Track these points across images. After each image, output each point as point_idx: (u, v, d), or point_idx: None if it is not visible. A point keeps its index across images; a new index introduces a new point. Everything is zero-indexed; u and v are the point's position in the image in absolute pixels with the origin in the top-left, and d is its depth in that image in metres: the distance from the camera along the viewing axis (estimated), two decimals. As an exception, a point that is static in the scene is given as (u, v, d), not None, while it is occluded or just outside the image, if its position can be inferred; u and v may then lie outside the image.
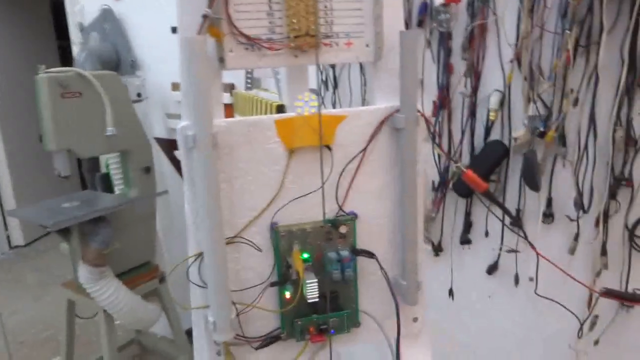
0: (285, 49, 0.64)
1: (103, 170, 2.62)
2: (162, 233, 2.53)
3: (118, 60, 2.60)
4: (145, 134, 2.35)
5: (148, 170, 2.37)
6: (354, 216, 0.71)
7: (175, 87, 2.43)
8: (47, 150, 2.03)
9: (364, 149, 0.69)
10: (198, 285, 0.67)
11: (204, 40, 0.59)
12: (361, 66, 1.75)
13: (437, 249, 1.74)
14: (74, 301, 2.31)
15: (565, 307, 1.41)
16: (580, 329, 1.51)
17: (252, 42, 0.62)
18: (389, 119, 0.69)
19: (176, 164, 2.56)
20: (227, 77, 2.73)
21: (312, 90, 0.67)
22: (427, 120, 0.70)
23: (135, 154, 2.31)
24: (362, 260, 0.72)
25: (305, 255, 0.69)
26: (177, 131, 0.64)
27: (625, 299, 0.90)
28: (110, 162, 2.48)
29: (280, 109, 0.83)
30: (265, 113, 0.89)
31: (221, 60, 0.62)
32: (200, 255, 0.66)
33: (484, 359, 1.81)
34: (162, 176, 2.53)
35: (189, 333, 2.65)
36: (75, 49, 2.80)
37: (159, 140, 2.57)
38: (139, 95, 2.46)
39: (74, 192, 2.41)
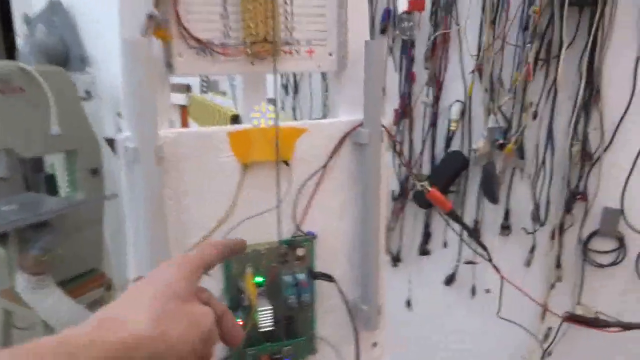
0: (241, 55, 0.58)
1: (47, 170, 2.47)
2: (110, 238, 2.40)
3: (67, 55, 2.45)
4: (94, 134, 2.22)
5: (96, 171, 2.25)
6: (312, 237, 0.66)
7: (127, 85, 2.32)
8: (-17, 149, 1.88)
9: (325, 165, 0.65)
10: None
11: (147, 42, 0.52)
12: (323, 73, 1.71)
13: (396, 259, 1.71)
14: (11, 312, 2.15)
15: (519, 325, 1.41)
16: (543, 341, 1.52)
17: (203, 47, 0.57)
18: (351, 134, 0.65)
19: (127, 166, 2.44)
20: (183, 78, 2.63)
21: (270, 101, 0.61)
22: (390, 136, 0.66)
23: (83, 154, 2.18)
24: (320, 283, 0.67)
25: (259, 279, 0.63)
26: (118, 143, 0.57)
27: (589, 324, 0.89)
28: (55, 163, 2.33)
29: (235, 119, 0.78)
30: (219, 122, 0.83)
31: (169, 65, 0.56)
32: (140, 279, 0.59)
33: (440, 370, 1.80)
34: (111, 178, 2.40)
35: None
36: (20, 42, 2.63)
37: (110, 141, 2.44)
38: (87, 93, 2.33)
39: (13, 195, 2.25)
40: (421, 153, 1.61)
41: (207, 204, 0.61)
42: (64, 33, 2.45)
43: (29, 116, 1.94)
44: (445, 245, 1.66)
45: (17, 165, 2.35)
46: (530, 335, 1.52)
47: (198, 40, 0.56)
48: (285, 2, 0.59)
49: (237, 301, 0.63)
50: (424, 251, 1.70)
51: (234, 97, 1.07)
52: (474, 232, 0.72)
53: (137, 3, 0.54)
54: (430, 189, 0.67)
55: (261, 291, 0.63)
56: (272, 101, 0.61)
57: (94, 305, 2.23)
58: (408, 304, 1.74)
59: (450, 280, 1.67)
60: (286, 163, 0.63)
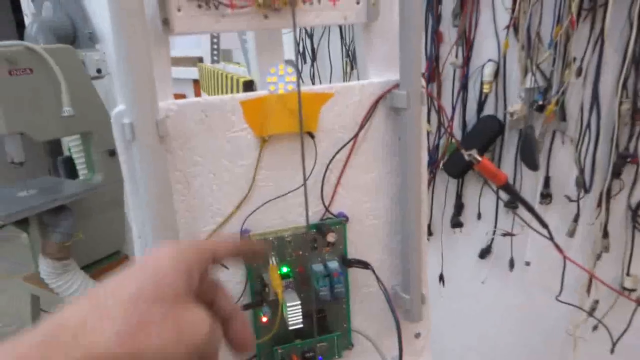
0: (252, 6, 0.49)
1: (65, 153, 2.42)
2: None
3: (74, 32, 2.37)
4: (108, 114, 2.16)
5: (113, 153, 2.19)
6: (344, 219, 0.57)
7: (139, 61, 2.23)
8: (-3, 133, 1.83)
9: (356, 135, 0.55)
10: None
11: (139, -4, 0.43)
12: (342, 34, 1.59)
13: (427, 233, 1.62)
14: (38, 296, 2.15)
15: (563, 302, 1.32)
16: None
17: (206, -1, 0.47)
18: (386, 97, 0.55)
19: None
20: (196, 49, 2.53)
21: (289, 62, 0.52)
22: (432, 98, 0.55)
23: (98, 135, 2.12)
24: (354, 271, 0.59)
25: (285, 270, 0.55)
26: (112, 120, 0.49)
27: None
28: (72, 145, 2.28)
29: (249, 85, 0.68)
30: (231, 91, 0.73)
31: (165, 22, 0.47)
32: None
33: (477, 346, 1.73)
34: (128, 159, 2.35)
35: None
36: (27, 21, 2.56)
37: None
38: (99, 71, 2.25)
39: (31, 179, 2.22)
40: (451, 120, 1.49)
41: (221, 186, 0.53)
42: (71, 10, 2.36)
43: (39, 98, 1.88)
44: (479, 217, 1.56)
45: (34, 149, 2.31)
46: (575, 308, 1.43)
47: (199, -9, 0.47)
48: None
49: (261, 296, 0.55)
50: (456, 223, 1.60)
51: (247, 60, 0.96)
52: (532, 208, 0.62)
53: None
54: (480, 158, 0.57)
55: (288, 283, 0.54)
56: (291, 63, 0.51)
57: (118, 288, 2.21)
58: (441, 278, 1.65)
59: (485, 253, 1.58)
60: (311, 135, 0.54)
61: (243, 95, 0.52)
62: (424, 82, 0.55)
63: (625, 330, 1.37)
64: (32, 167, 2.38)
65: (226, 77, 0.73)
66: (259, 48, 0.55)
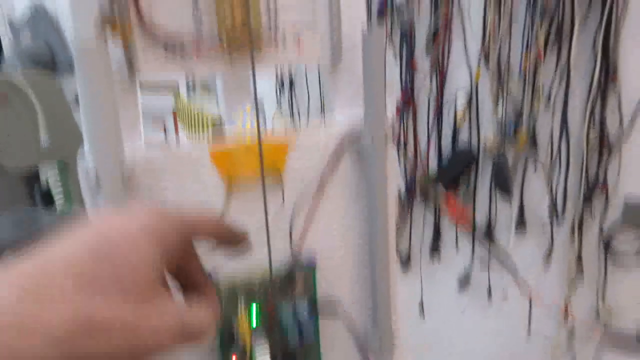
0: (217, 50, 0.49)
1: (43, 182, 2.38)
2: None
3: (54, 59, 2.36)
4: (85, 142, 2.14)
5: (90, 181, 2.16)
6: (312, 264, 0.57)
7: (116, 89, 2.23)
8: (-33, 164, 1.80)
9: (323, 178, 0.56)
10: None
11: (102, 43, 0.43)
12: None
13: (405, 263, 1.62)
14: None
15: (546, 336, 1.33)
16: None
17: (171, 41, 0.47)
18: (351, 138, 0.56)
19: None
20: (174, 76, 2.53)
21: (255, 98, 0.52)
22: (395, 134, 0.56)
23: (75, 164, 2.09)
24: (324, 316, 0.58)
25: (254, 316, 0.54)
26: (78, 167, 0.49)
27: None
28: (49, 175, 2.25)
29: (217, 125, 0.69)
30: (203, 129, 0.74)
31: (130, 65, 0.47)
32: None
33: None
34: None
35: None
36: (6, 48, 2.54)
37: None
38: (77, 97, 2.24)
39: (7, 211, 2.17)
40: (427, 146, 1.51)
41: (187, 230, 0.52)
42: (50, 37, 2.35)
43: (15, 127, 1.85)
44: (457, 245, 1.57)
45: (11, 180, 2.27)
46: (552, 339, 1.44)
47: (163, 34, 0.47)
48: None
49: (230, 341, 0.54)
50: (434, 253, 1.60)
51: (216, 96, 0.97)
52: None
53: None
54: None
55: (257, 330, 0.54)
56: (255, 109, 0.52)
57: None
58: (421, 308, 1.65)
59: (464, 283, 1.58)
60: (277, 180, 0.54)
61: (211, 141, 0.52)
62: (391, 120, 0.56)
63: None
64: (6, 199, 2.33)
65: (197, 115, 0.73)
66: (226, 88, 0.56)
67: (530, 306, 1.36)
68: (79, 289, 0.23)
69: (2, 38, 2.63)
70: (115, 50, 0.46)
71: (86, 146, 0.47)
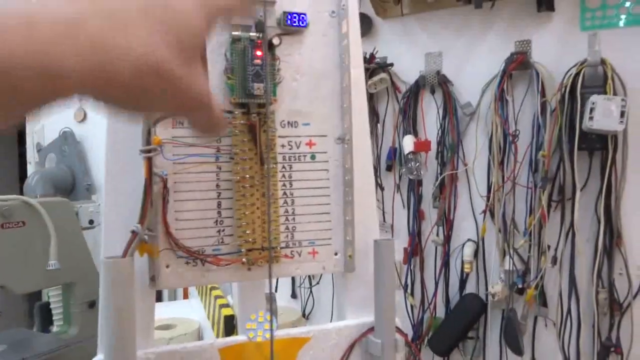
0: (236, 263, 0.52)
1: (44, 298, 2.36)
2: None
3: (73, 183, 2.47)
4: (94, 264, 2.15)
5: (93, 304, 2.14)
6: None
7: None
8: (-24, 287, 1.81)
9: (332, 378, 0.56)
10: None
11: (130, 262, 0.47)
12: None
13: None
14: None
15: None
16: None
17: (194, 257, 0.51)
18: (361, 341, 0.57)
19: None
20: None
21: (268, 300, 0.54)
22: (408, 343, 0.57)
23: (80, 286, 2.08)
24: None
25: None
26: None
27: None
28: (51, 295, 2.24)
29: (229, 320, 0.71)
30: (214, 312, 0.76)
31: (152, 278, 0.50)
32: None
33: None
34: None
35: None
36: (30, 169, 2.67)
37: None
38: (90, 222, 2.30)
39: (4, 331, 2.13)
40: (434, 294, 1.51)
41: None
42: (73, 162, 2.48)
43: (27, 250, 1.89)
44: (467, 398, 1.50)
45: (12, 298, 2.25)
46: None
47: (188, 251, 0.51)
48: (286, 203, 0.55)
49: None
50: (443, 404, 1.53)
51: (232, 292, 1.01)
52: None
53: (124, 217, 0.49)
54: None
55: None
56: (273, 301, 0.54)
57: None
58: None
59: None
60: (280, 383, 0.54)
61: (222, 342, 0.53)
62: (399, 325, 0.57)
63: None
64: (5, 317, 2.30)
65: (211, 292, 0.75)
66: (242, 294, 0.58)
67: None
68: (150, 36, 0.27)
69: (29, 159, 2.79)
70: (139, 260, 0.49)
71: (102, 350, 0.49)
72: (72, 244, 2.04)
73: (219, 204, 0.52)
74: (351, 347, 0.57)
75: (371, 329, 0.57)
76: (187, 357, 0.52)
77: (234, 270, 0.53)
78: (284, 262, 0.54)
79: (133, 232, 0.47)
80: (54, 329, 2.18)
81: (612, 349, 1.27)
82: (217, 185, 0.52)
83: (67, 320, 2.17)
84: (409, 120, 1.50)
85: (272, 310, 0.53)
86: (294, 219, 0.55)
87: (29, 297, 2.62)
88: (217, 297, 0.73)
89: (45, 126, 2.62)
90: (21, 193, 1.98)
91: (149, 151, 0.48)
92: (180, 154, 0.51)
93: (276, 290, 0.56)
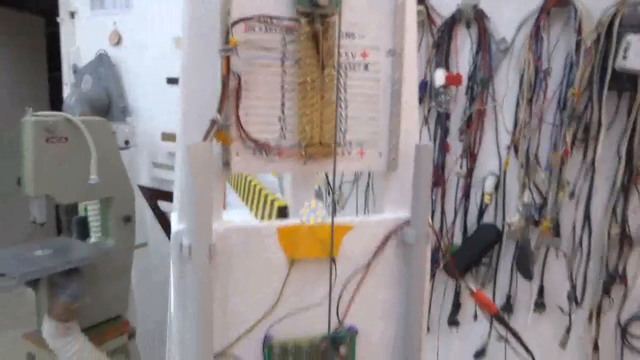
0: (295, 156, 0.60)
1: (81, 212, 2.53)
2: (136, 287, 2.42)
3: (109, 105, 2.56)
4: (130, 182, 2.29)
5: (128, 219, 2.29)
6: (353, 332, 0.66)
7: (165, 137, 2.39)
8: (25, 194, 1.95)
9: (369, 262, 0.65)
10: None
11: (210, 147, 0.55)
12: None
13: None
14: (34, 355, 2.16)
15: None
16: None
17: (261, 148, 0.59)
18: (397, 232, 0.65)
19: (159, 215, 2.48)
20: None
21: (318, 195, 0.63)
22: (437, 235, 0.66)
23: (117, 202, 2.23)
24: (359, 381, 0.66)
25: (300, 376, 0.63)
26: (172, 235, 0.59)
27: None
28: (89, 208, 2.39)
29: (283, 210, 0.79)
30: (265, 209, 0.85)
31: (226, 164, 0.58)
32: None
33: None
34: (142, 226, 2.45)
35: (155, 396, 2.47)
36: (67, 90, 2.76)
37: (143, 189, 2.50)
38: (126, 142, 2.41)
39: (48, 238, 2.30)
40: (453, 223, 1.60)
41: (252, 298, 0.62)
42: (109, 84, 2.56)
43: (69, 164, 2.01)
44: (475, 317, 1.62)
45: (53, 209, 2.41)
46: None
47: (256, 142, 0.59)
48: (341, 106, 0.62)
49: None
50: (453, 322, 1.65)
51: (281, 186, 1.09)
52: (521, 339, 0.71)
53: (200, 108, 0.57)
54: (474, 289, 0.66)
55: (302, 389, 0.62)
56: (320, 196, 0.62)
57: (115, 354, 2.22)
58: (435, 377, 1.68)
59: (480, 354, 1.62)
60: (333, 259, 0.64)
61: (280, 223, 0.62)
62: (430, 222, 0.65)
63: None
64: (46, 227, 2.47)
65: (261, 192, 0.84)
66: (296, 184, 0.67)
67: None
68: None
69: (64, 80, 2.87)
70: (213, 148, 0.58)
71: (184, 224, 0.58)
72: (110, 161, 2.16)
73: (282, 103, 0.60)
74: (388, 237, 0.66)
75: (406, 223, 0.65)
76: (250, 232, 0.61)
77: (292, 163, 0.61)
78: (335, 160, 0.62)
79: (213, 120, 0.55)
80: (92, 240, 2.35)
81: (618, 279, 1.36)
82: (282, 87, 0.59)
83: (105, 233, 2.32)
84: (442, 54, 1.53)
85: (333, 200, 0.62)
86: (346, 121, 0.62)
87: (67, 211, 2.79)
88: (267, 194, 0.82)
89: (81, 48, 2.68)
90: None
91: (227, 50, 0.55)
92: (252, 56, 0.58)
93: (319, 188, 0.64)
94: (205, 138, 0.55)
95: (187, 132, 0.58)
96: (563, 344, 1.47)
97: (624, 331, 1.39)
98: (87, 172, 2.06)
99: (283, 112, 0.60)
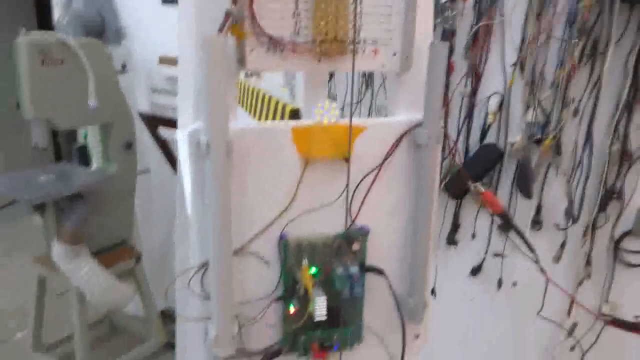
0: (310, 53, 0.59)
1: (80, 141, 2.52)
2: (140, 212, 2.46)
3: (103, 27, 2.48)
4: (129, 107, 2.26)
5: (130, 145, 2.29)
6: (365, 231, 0.68)
7: (162, 60, 2.34)
8: (25, 118, 1.93)
9: (382, 163, 0.66)
10: (201, 297, 0.64)
11: (225, 39, 0.54)
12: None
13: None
14: (45, 277, 2.24)
15: (544, 317, 1.44)
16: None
17: (275, 44, 0.58)
18: (410, 134, 0.66)
19: (160, 142, 2.48)
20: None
21: (331, 96, 0.63)
22: (447, 138, 0.66)
23: (117, 128, 2.22)
24: (369, 276, 0.70)
25: (314, 271, 0.66)
26: (188, 134, 0.59)
27: (630, 328, 0.91)
28: (89, 135, 2.38)
29: (295, 113, 0.79)
30: (277, 115, 0.84)
31: (241, 60, 0.58)
32: (204, 265, 0.62)
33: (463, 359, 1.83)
34: (142, 153, 2.45)
35: (163, 314, 2.60)
36: (57, 11, 2.65)
37: (143, 116, 2.48)
38: (123, 66, 2.36)
39: (50, 164, 2.31)
40: (455, 142, 1.61)
41: (268, 196, 0.64)
42: (101, 5, 2.47)
43: (67, 88, 1.98)
44: (473, 236, 1.67)
45: (51, 136, 2.40)
46: (553, 329, 1.55)
47: (270, 38, 0.58)
48: (354, 2, 0.60)
49: (292, 291, 0.66)
50: (451, 241, 1.71)
51: (290, 87, 1.08)
52: (523, 235, 0.73)
53: (214, 1, 0.55)
54: (483, 190, 0.68)
55: (315, 282, 0.65)
56: (334, 97, 0.62)
57: (124, 277, 2.30)
58: (432, 291, 1.76)
59: (476, 271, 1.69)
60: (346, 160, 0.65)
61: (295, 123, 0.62)
62: (442, 123, 0.66)
63: (592, 345, 1.49)
64: (47, 153, 2.46)
65: (271, 100, 0.83)
66: (308, 84, 0.66)
67: (546, 290, 1.47)
68: None
69: (54, 3, 2.75)
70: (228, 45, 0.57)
71: (200, 122, 0.58)
72: (107, 85, 2.13)
73: (296, -2, 0.58)
74: (401, 138, 0.66)
75: (419, 124, 0.66)
76: (265, 133, 0.62)
77: (306, 61, 0.61)
78: (348, 56, 0.61)
79: (227, 12, 0.54)
80: (93, 167, 2.36)
81: (614, 196, 1.39)
82: (296, -20, 0.58)
83: (106, 159, 2.33)
84: (450, -34, 1.47)
85: (352, 97, 0.61)
86: (361, 17, 0.61)
87: (66, 138, 2.78)
88: (277, 101, 0.82)
89: (68, -34, 2.55)
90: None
91: (240, -62, 0.52)
92: (265, -54, 0.55)
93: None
94: (220, 30, 0.54)
95: (202, 27, 0.56)
96: (557, 258, 1.52)
97: (616, 246, 1.44)
98: (85, 96, 2.04)
99: (297, 6, 0.58)
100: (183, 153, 0.63)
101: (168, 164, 2.48)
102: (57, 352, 2.40)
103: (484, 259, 1.66)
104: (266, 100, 0.82)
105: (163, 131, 2.42)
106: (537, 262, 0.74)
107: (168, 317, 2.56)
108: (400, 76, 0.66)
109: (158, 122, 2.42)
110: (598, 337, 1.50)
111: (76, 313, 2.11)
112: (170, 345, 2.53)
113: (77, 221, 1.97)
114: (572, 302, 1.50)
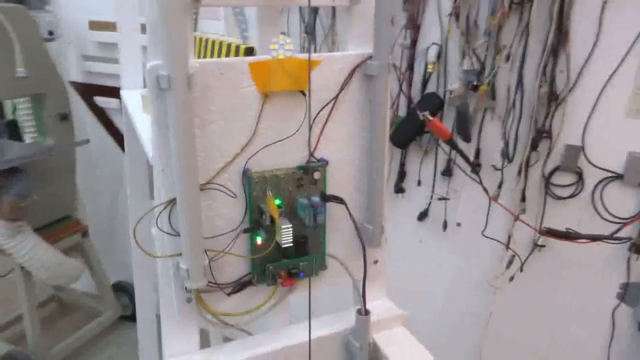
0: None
1: (8, 115, 2.38)
2: (82, 185, 2.38)
3: (25, -7, 2.32)
4: (60, 77, 2.15)
5: (65, 117, 2.19)
6: (325, 163, 0.72)
7: (92, 25, 2.23)
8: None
9: (337, 96, 0.70)
10: (169, 234, 0.65)
11: (179, -28, 0.54)
12: (301, 13, 1.71)
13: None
14: (-13, 259, 2.14)
15: (487, 237, 1.55)
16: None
17: (228, -22, 0.59)
18: (361, 66, 0.69)
19: (96, 111, 2.38)
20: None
21: (284, 34, 0.65)
22: (395, 67, 0.70)
23: (50, 98, 2.11)
24: (330, 206, 0.74)
25: (278, 202, 0.69)
26: (147, 71, 0.60)
27: (562, 237, 1.01)
28: (19, 108, 2.25)
29: (250, 52, 0.80)
30: (229, 55, 0.85)
31: (195, -3, 0.58)
32: (171, 202, 0.64)
33: (414, 300, 1.95)
34: (81, 125, 2.35)
35: (115, 287, 2.55)
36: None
37: (76, 85, 2.37)
38: (50, 33, 2.23)
39: (-23, 141, 2.17)
40: (398, 94, 1.67)
41: (229, 131, 0.65)
42: (20, -31, 2.30)
43: (-8, 58, 1.86)
44: (419, 183, 1.76)
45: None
46: (497, 263, 1.68)
47: (223, -28, 0.59)
48: None
49: (258, 222, 0.69)
50: (399, 189, 1.79)
51: (240, 30, 1.07)
52: (470, 160, 0.79)
53: None
54: (431, 118, 0.73)
55: (280, 212, 0.68)
56: (285, 34, 0.64)
57: (70, 251, 2.24)
58: (383, 239, 1.84)
59: (423, 216, 1.79)
60: (303, 93, 0.67)
61: (251, 58, 0.64)
62: (391, 55, 0.70)
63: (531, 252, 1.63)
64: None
65: (222, 44, 0.83)
66: (261, 21, 0.68)
67: (489, 209, 1.57)
68: None
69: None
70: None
71: (162, 57, 0.58)
72: (35, 54, 2.02)
73: None
74: (353, 71, 0.70)
75: (369, 57, 0.69)
76: (223, 69, 0.63)
77: (260, -5, 0.62)
78: (301, -10, 0.63)
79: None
80: (27, 141, 2.24)
81: (544, 135, 1.51)
82: None
83: (41, 132, 2.23)
84: None
85: (307, 32, 0.64)
86: (310, -49, 0.63)
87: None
88: (229, 44, 0.82)
89: None
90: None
91: None
92: None
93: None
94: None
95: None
96: (495, 197, 1.64)
97: (547, 181, 1.56)
98: (12, 67, 1.92)
99: (248, -60, 0.59)
100: (130, 112, 0.64)
101: (109, 134, 2.40)
102: (7, 334, 2.32)
103: (429, 203, 1.76)
104: (217, 44, 0.82)
105: (100, 100, 2.33)
106: (480, 182, 0.80)
107: (120, 290, 2.52)
108: (350, 12, 0.69)
109: (93, 91, 2.33)
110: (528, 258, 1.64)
111: (23, 293, 2.05)
112: (124, 318, 2.51)
113: (16, 196, 1.89)
114: (509, 237, 1.63)
